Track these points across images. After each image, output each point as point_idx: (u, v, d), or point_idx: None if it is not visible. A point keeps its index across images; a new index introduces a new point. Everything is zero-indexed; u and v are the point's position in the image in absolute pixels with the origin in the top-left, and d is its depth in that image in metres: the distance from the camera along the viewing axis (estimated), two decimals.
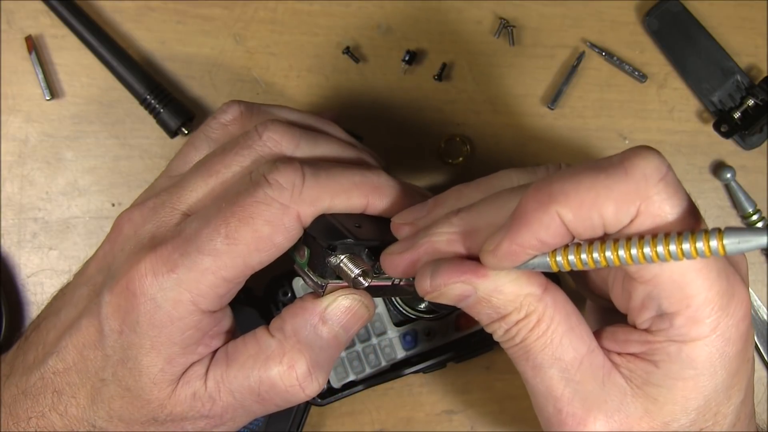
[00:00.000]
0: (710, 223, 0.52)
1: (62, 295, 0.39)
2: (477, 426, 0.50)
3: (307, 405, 0.47)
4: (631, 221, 0.29)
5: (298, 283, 0.45)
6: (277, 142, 0.37)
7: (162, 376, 0.35)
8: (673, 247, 0.28)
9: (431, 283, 0.33)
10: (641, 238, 0.29)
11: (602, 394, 0.32)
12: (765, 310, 0.51)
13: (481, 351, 0.46)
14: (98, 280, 0.37)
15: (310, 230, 0.35)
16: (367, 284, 0.35)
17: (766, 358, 0.51)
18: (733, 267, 0.32)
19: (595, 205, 0.29)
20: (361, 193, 0.36)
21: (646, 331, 0.32)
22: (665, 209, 0.29)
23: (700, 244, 0.27)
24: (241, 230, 0.33)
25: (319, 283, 0.36)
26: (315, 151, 0.38)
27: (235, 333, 0.38)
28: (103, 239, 0.39)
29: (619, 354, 0.33)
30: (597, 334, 0.33)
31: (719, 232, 0.27)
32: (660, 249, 0.28)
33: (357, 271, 0.35)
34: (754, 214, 0.51)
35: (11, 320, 0.47)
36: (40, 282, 0.48)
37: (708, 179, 0.52)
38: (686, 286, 0.30)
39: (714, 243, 0.27)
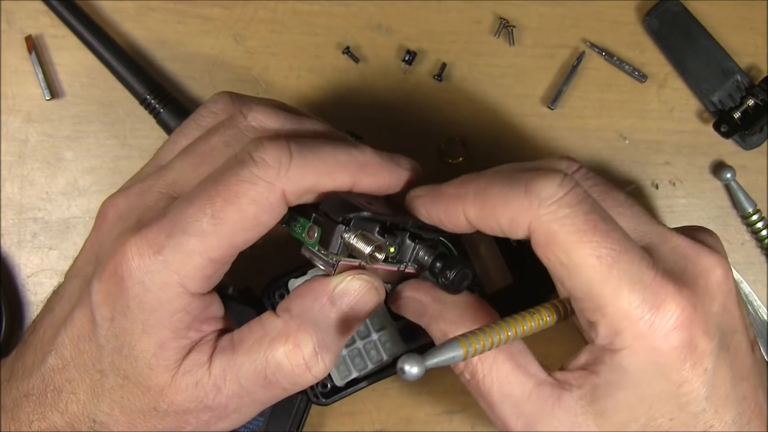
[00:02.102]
0: (711, 223, 0.52)
1: (56, 293, 0.39)
2: (477, 426, 0.50)
3: (307, 404, 0.47)
4: (531, 235, 0.33)
5: (294, 285, 0.45)
6: (262, 121, 0.37)
7: (156, 361, 0.34)
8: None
9: (400, 293, 0.38)
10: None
11: (553, 420, 0.33)
12: (765, 310, 0.51)
13: None
14: (88, 270, 0.37)
15: (323, 207, 0.35)
16: (382, 258, 0.35)
17: (766, 358, 0.51)
18: (699, 275, 0.34)
19: (492, 213, 0.34)
20: (348, 172, 0.35)
21: (591, 342, 0.34)
22: (553, 228, 0.32)
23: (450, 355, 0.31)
24: (226, 210, 0.33)
25: (331, 261, 0.35)
26: (300, 131, 0.38)
27: (230, 323, 0.37)
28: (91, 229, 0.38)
29: (572, 371, 0.34)
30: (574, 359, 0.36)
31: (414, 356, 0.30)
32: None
33: (371, 247, 0.34)
34: (754, 214, 0.51)
35: (11, 320, 0.47)
36: (40, 282, 0.48)
37: (708, 179, 0.52)
38: (595, 297, 0.32)
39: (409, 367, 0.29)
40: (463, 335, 0.31)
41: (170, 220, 0.34)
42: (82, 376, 0.35)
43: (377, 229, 0.36)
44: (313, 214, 0.36)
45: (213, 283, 0.35)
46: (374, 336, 0.45)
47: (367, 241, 0.35)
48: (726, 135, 0.49)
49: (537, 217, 0.32)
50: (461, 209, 0.35)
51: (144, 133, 0.49)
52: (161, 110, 0.47)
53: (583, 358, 0.35)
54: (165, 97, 0.47)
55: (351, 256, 0.35)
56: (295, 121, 0.38)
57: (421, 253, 0.38)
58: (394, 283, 0.40)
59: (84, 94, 0.49)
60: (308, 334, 0.35)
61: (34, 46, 0.48)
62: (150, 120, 0.48)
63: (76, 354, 0.35)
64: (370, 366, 0.45)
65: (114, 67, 0.47)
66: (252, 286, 0.47)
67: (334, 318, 0.36)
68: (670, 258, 0.34)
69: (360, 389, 0.45)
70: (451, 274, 0.36)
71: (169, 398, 0.35)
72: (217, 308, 0.36)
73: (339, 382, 0.45)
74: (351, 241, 0.35)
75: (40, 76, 0.48)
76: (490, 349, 0.32)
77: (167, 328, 0.34)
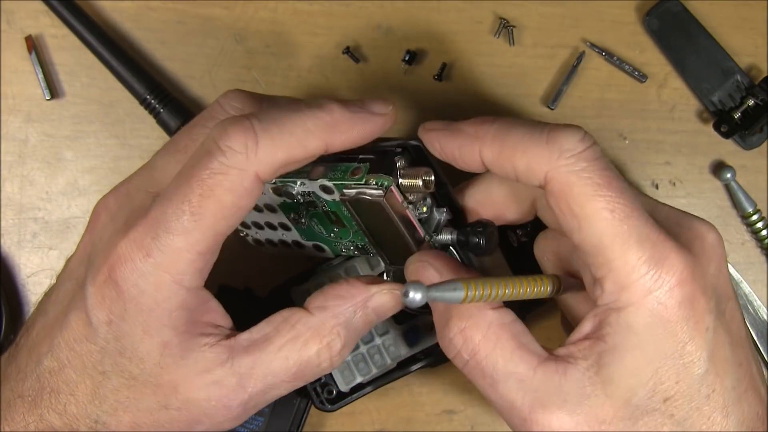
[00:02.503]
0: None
1: (47, 295, 0.39)
2: (477, 426, 0.50)
3: (307, 405, 0.47)
4: (546, 183, 0.33)
5: (296, 293, 0.45)
6: (238, 108, 0.37)
7: (165, 360, 0.34)
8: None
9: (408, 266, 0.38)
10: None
11: (561, 394, 0.33)
12: (765, 310, 0.51)
13: None
14: (81, 272, 0.37)
15: (373, 147, 0.37)
16: (431, 188, 0.36)
17: (766, 357, 0.51)
18: (694, 239, 0.34)
19: (510, 158, 0.34)
20: (318, 137, 0.34)
21: (594, 304, 0.34)
22: (571, 179, 0.32)
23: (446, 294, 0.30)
24: (204, 204, 0.33)
25: (385, 184, 0.35)
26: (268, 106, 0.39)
27: (232, 323, 0.37)
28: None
29: (576, 343, 0.34)
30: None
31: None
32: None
33: (424, 169, 0.36)
34: (754, 213, 0.51)
35: (11, 320, 0.47)
36: (40, 282, 0.48)
37: (708, 179, 0.52)
38: (605, 250, 0.32)
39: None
40: (465, 279, 0.31)
41: (153, 220, 0.34)
42: (81, 378, 0.35)
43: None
44: (358, 159, 0.37)
45: (205, 274, 0.35)
46: (378, 341, 0.45)
47: (417, 170, 0.36)
48: (726, 135, 0.49)
49: (556, 167, 0.33)
50: (477, 149, 0.35)
51: (144, 133, 0.49)
52: (161, 110, 0.47)
53: (587, 325, 0.34)
54: (165, 97, 0.47)
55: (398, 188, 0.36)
56: (272, 102, 0.39)
57: (446, 220, 0.39)
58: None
59: (84, 94, 0.49)
60: (339, 335, 0.36)
61: (34, 46, 0.48)
62: (150, 120, 0.48)
63: (73, 356, 0.35)
64: (375, 371, 0.45)
65: (114, 67, 0.47)
66: (252, 286, 0.47)
67: (361, 321, 0.37)
68: (665, 224, 0.34)
69: (365, 394, 0.45)
70: (483, 235, 0.38)
71: (183, 395, 0.35)
72: (215, 306, 0.36)
73: (344, 388, 0.45)
74: (407, 167, 0.36)
75: (40, 76, 0.48)
76: (486, 300, 0.32)
77: (167, 326, 0.34)
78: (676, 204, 0.52)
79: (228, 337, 0.36)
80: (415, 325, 0.45)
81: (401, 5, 0.50)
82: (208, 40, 0.50)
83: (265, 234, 0.44)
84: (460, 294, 0.31)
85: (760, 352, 0.51)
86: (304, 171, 0.37)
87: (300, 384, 0.37)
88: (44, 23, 0.48)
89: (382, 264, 0.42)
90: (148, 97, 0.47)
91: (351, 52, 0.50)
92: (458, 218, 0.39)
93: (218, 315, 0.37)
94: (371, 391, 0.45)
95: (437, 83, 0.50)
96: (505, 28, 0.50)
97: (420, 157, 0.37)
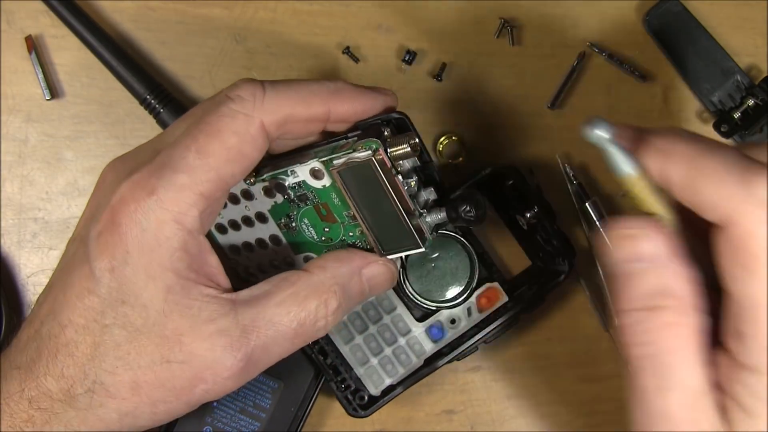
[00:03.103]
0: None
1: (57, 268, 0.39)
2: (477, 426, 0.50)
3: (310, 403, 0.47)
4: (727, 226, 0.30)
5: None
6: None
7: (169, 306, 0.34)
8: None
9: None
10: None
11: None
12: None
13: (509, 327, 0.46)
14: (85, 231, 0.37)
15: (357, 125, 0.39)
16: (418, 142, 0.37)
17: None
18: None
19: (697, 186, 0.30)
20: (321, 99, 0.37)
21: (727, 353, 0.31)
22: (758, 233, 0.29)
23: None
24: (210, 144, 0.35)
25: (372, 146, 0.36)
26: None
27: (225, 278, 0.37)
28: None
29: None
30: None
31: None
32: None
33: (409, 134, 0.37)
34: None
35: (11, 320, 0.47)
36: (40, 282, 0.48)
37: None
38: (761, 314, 0.29)
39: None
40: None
41: (159, 162, 0.35)
42: (82, 337, 0.35)
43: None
44: (345, 138, 0.39)
45: (206, 223, 0.36)
46: (401, 340, 0.46)
47: (402, 137, 0.37)
48: (726, 135, 0.49)
49: (745, 213, 0.29)
50: (660, 165, 0.31)
51: (144, 133, 0.49)
52: (161, 110, 0.47)
53: (720, 372, 0.30)
54: (165, 97, 0.47)
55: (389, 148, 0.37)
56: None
57: (432, 201, 0.39)
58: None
59: (84, 94, 0.49)
60: (336, 295, 0.37)
61: (34, 46, 0.48)
62: (150, 120, 0.48)
63: (75, 314, 0.35)
64: (402, 371, 0.46)
65: (114, 67, 0.47)
66: None
67: (356, 288, 0.38)
68: None
69: (396, 396, 0.45)
70: (471, 208, 0.38)
71: (187, 346, 0.34)
72: (215, 262, 0.37)
73: (374, 392, 0.45)
74: (390, 138, 0.37)
75: (40, 76, 0.48)
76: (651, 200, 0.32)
77: (169, 270, 0.34)
78: None
79: (229, 292, 0.36)
80: (436, 320, 0.46)
81: (401, 5, 0.50)
82: (208, 40, 0.50)
83: (256, 257, 0.44)
84: (631, 169, 0.32)
85: None
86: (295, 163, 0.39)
87: (299, 343, 0.37)
88: (44, 23, 0.49)
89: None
90: (148, 97, 0.47)
91: (351, 52, 0.50)
92: (444, 198, 0.40)
93: (218, 272, 0.37)
94: (402, 391, 0.46)
95: (437, 83, 0.50)
96: (505, 28, 0.50)
97: (404, 130, 0.39)
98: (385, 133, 0.38)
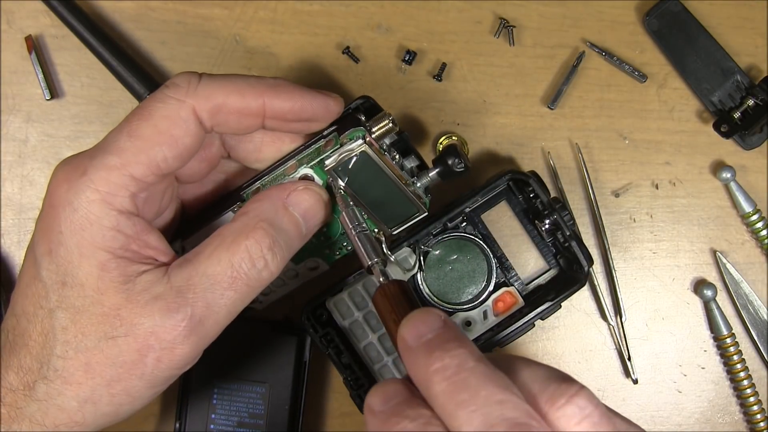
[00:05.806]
0: (711, 223, 0.52)
1: None
2: None
3: (301, 396, 0.47)
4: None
5: (330, 303, 0.46)
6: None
7: (103, 283, 0.35)
8: None
9: None
10: None
11: None
12: (765, 310, 0.51)
13: (524, 332, 0.46)
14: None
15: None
16: (396, 128, 0.39)
17: (766, 357, 0.51)
18: None
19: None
20: (256, 92, 0.37)
21: None
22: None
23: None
24: (141, 126, 0.36)
25: (358, 134, 0.38)
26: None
27: (169, 255, 0.37)
28: None
29: None
30: None
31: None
32: None
33: (383, 113, 0.39)
34: (754, 214, 0.51)
35: None
36: None
37: (708, 179, 0.52)
38: None
39: None
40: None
41: (95, 146, 0.37)
42: (33, 325, 0.35)
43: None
44: (322, 137, 0.39)
45: (145, 207, 0.37)
46: None
47: (378, 116, 0.39)
48: (726, 135, 0.49)
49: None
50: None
51: None
52: None
53: None
54: None
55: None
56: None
57: (415, 167, 0.42)
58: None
59: (84, 94, 0.49)
60: (265, 231, 0.37)
61: (34, 46, 0.48)
62: None
63: (26, 303, 0.36)
64: None
65: (114, 67, 0.47)
66: (291, 315, 0.48)
67: (288, 221, 0.38)
68: None
69: None
70: (460, 159, 0.40)
71: (126, 319, 0.35)
72: (156, 241, 0.37)
73: None
74: (368, 121, 0.38)
75: (40, 76, 0.48)
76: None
77: (102, 249, 0.35)
78: (676, 204, 0.52)
79: (154, 264, 0.36)
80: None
81: (401, 5, 0.50)
82: (208, 40, 0.50)
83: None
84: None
85: (760, 352, 0.51)
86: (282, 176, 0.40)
87: (244, 291, 0.36)
88: (44, 23, 0.49)
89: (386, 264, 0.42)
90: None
91: (351, 52, 0.50)
92: (424, 163, 0.42)
93: (161, 252, 0.37)
94: None
95: (437, 83, 0.50)
96: (505, 28, 0.50)
97: (374, 109, 0.40)
98: (362, 118, 0.39)
